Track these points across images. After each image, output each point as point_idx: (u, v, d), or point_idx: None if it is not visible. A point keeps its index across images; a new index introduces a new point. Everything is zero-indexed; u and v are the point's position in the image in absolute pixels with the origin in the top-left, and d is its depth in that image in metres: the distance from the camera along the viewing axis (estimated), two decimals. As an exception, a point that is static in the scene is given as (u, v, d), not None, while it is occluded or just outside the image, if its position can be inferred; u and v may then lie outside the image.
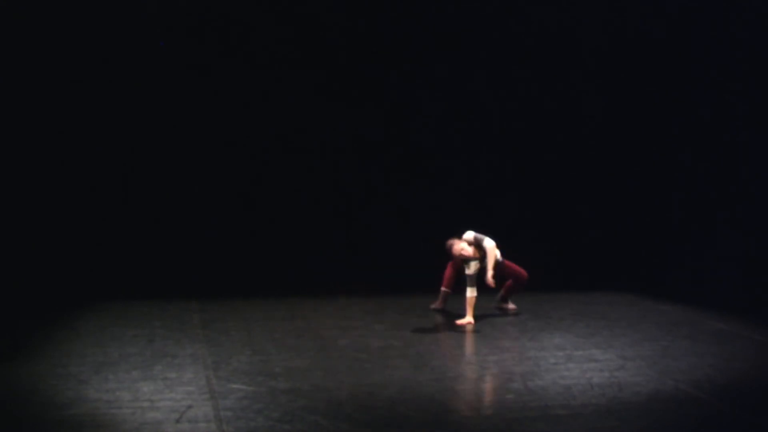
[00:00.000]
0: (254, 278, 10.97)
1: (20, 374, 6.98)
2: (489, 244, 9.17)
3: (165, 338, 8.21)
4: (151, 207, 11.20)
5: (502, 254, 9.45)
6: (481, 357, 7.81)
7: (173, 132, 11.32)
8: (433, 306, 9.68)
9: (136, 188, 11.23)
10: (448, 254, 9.28)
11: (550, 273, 11.63)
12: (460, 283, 9.40)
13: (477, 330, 8.83)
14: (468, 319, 9.00)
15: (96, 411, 6.15)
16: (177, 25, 11.27)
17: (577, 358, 7.78)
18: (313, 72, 11.68)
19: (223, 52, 11.44)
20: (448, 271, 9.57)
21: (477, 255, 9.13)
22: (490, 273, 9.06)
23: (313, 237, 11.58)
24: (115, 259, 10.86)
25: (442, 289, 9.64)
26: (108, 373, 7.03)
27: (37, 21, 10.68)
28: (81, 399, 6.39)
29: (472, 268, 9.07)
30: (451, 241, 9.23)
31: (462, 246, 9.12)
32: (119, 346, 7.86)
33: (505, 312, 9.68)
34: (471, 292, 9.04)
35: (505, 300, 9.81)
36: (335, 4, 11.68)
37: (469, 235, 9.23)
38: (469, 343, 8.34)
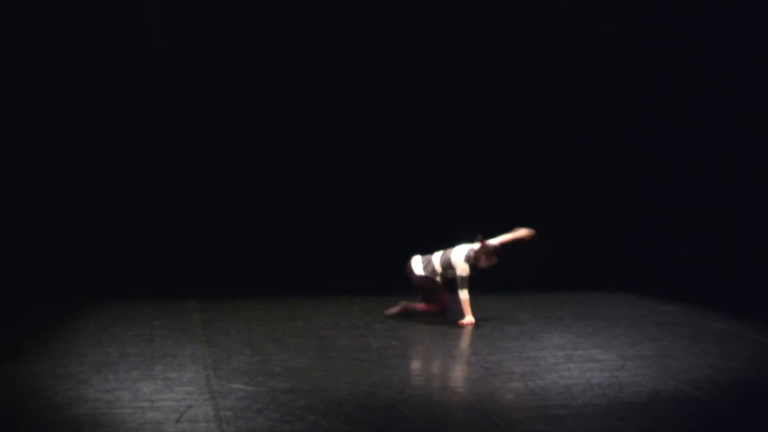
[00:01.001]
0: (254, 278, 10.97)
1: (20, 374, 6.98)
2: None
3: (165, 338, 8.21)
4: (152, 207, 11.20)
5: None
6: (481, 357, 7.81)
7: (173, 132, 11.32)
8: (391, 311, 9.40)
9: (136, 188, 11.23)
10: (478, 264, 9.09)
11: (550, 273, 11.64)
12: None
13: (477, 330, 8.83)
14: (469, 318, 9.00)
15: (96, 411, 6.15)
16: (177, 25, 11.28)
17: (577, 358, 7.78)
18: (312, 71, 11.68)
19: (224, 53, 11.44)
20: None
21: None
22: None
23: (312, 237, 11.58)
24: (115, 259, 10.86)
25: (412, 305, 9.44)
26: (108, 373, 7.03)
27: (36, 21, 10.69)
28: (81, 399, 6.39)
29: (466, 271, 9.04)
30: (478, 253, 9.05)
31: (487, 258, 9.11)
32: (119, 346, 7.86)
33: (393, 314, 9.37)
34: (465, 294, 9.03)
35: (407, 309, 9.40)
36: (331, 8, 11.68)
37: (495, 241, 9.16)
38: (469, 343, 8.35)
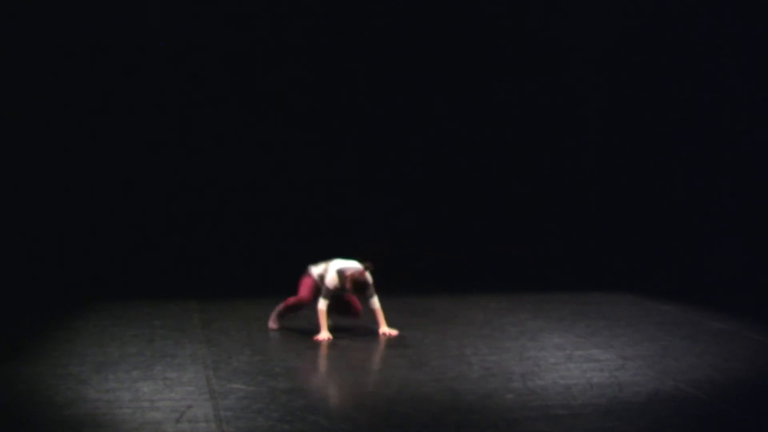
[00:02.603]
0: (254, 278, 10.97)
1: (20, 374, 6.98)
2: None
3: (165, 338, 8.21)
4: (152, 207, 11.21)
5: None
6: (481, 357, 7.80)
7: (173, 131, 11.33)
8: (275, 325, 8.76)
9: (137, 188, 11.24)
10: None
11: (550, 273, 11.65)
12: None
13: (477, 330, 8.82)
14: (324, 334, 8.31)
15: (96, 411, 6.15)
16: (177, 25, 11.30)
17: (577, 358, 7.78)
18: (309, 73, 11.72)
19: (224, 53, 11.45)
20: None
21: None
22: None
23: (312, 236, 11.59)
24: (115, 259, 10.86)
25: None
26: (108, 373, 7.03)
27: (36, 21, 10.69)
28: (81, 399, 6.39)
29: (333, 283, 8.40)
30: (354, 275, 8.35)
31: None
32: (119, 346, 7.86)
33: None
34: (322, 305, 8.37)
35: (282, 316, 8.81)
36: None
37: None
38: (469, 343, 8.33)
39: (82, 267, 10.59)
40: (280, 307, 8.71)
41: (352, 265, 8.45)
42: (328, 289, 8.35)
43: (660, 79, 12.01)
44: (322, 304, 8.34)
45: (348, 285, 8.34)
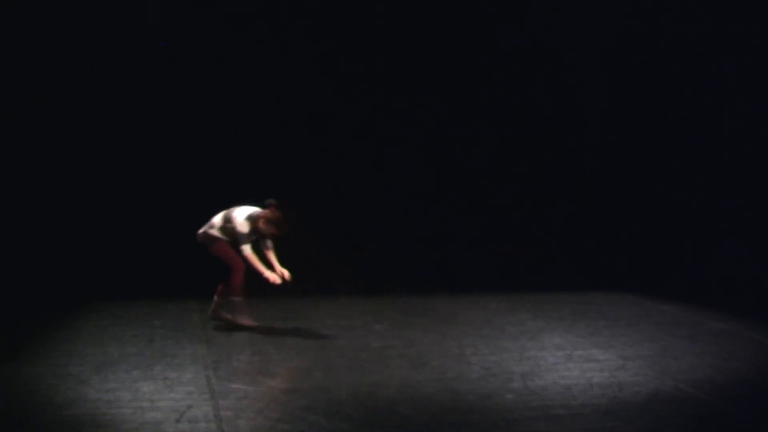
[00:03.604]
0: (254, 278, 10.94)
1: (20, 374, 6.98)
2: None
3: (165, 338, 8.21)
4: (152, 207, 11.20)
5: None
6: (481, 357, 7.81)
7: (173, 132, 11.33)
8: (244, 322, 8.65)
9: (136, 188, 11.24)
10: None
11: (550, 273, 11.65)
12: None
13: (477, 330, 8.82)
14: (270, 274, 8.35)
15: (96, 411, 6.15)
16: (177, 25, 11.30)
17: (577, 358, 7.78)
18: (309, 73, 11.72)
19: (224, 53, 11.46)
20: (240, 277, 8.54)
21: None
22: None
23: (311, 236, 11.58)
24: (115, 259, 10.86)
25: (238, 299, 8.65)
26: (108, 373, 7.03)
27: (36, 21, 10.70)
28: (81, 399, 6.40)
29: (245, 227, 8.40)
30: (262, 215, 8.34)
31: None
32: (119, 346, 7.86)
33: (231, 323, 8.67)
34: (247, 249, 8.36)
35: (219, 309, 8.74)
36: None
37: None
38: (469, 343, 8.34)
39: (82, 267, 10.59)
40: (236, 298, 8.57)
41: (249, 210, 8.44)
42: (243, 234, 8.32)
43: (660, 79, 12.01)
44: (247, 249, 8.31)
45: (261, 225, 8.33)
